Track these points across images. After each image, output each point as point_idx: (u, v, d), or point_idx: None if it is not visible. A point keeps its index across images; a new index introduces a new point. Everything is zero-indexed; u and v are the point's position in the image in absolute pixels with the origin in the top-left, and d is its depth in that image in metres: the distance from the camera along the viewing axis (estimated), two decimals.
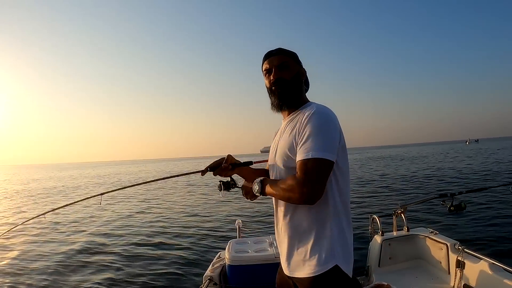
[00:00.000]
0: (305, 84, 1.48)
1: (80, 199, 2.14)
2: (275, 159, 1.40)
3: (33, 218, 2.14)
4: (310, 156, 1.18)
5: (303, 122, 1.26)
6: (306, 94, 1.50)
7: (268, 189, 1.32)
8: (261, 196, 1.38)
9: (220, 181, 1.57)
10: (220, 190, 1.58)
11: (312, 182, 1.16)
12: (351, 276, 1.27)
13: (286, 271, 1.37)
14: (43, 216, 1.97)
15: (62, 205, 2.13)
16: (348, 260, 1.28)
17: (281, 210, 1.36)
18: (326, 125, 1.24)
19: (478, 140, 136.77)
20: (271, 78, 1.38)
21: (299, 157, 1.21)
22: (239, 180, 1.61)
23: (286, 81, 1.37)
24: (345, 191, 1.31)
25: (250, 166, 1.56)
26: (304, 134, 1.23)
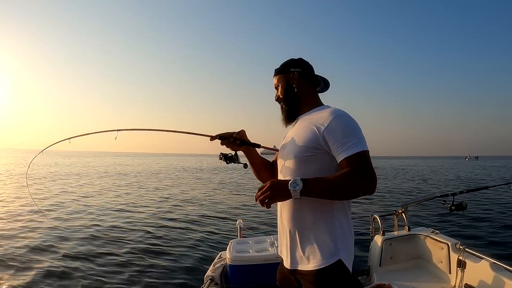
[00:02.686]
0: (309, 80, 1.48)
1: (95, 131, 1.93)
2: (285, 152, 1.42)
3: (58, 142, 2.00)
4: (360, 150, 1.22)
5: (330, 122, 1.27)
6: (318, 87, 1.51)
7: (315, 186, 1.20)
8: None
9: (223, 153, 1.62)
10: (220, 159, 1.62)
11: (373, 172, 1.21)
12: (350, 271, 1.30)
13: (287, 264, 1.38)
14: (68, 140, 1.89)
15: (84, 133, 1.96)
16: (350, 255, 1.32)
17: (285, 203, 1.37)
18: (354, 122, 1.30)
19: (477, 157, 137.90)
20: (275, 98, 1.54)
21: (348, 152, 1.22)
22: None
23: (281, 99, 1.50)
24: None
25: (257, 149, 1.60)
26: (340, 134, 1.25)
